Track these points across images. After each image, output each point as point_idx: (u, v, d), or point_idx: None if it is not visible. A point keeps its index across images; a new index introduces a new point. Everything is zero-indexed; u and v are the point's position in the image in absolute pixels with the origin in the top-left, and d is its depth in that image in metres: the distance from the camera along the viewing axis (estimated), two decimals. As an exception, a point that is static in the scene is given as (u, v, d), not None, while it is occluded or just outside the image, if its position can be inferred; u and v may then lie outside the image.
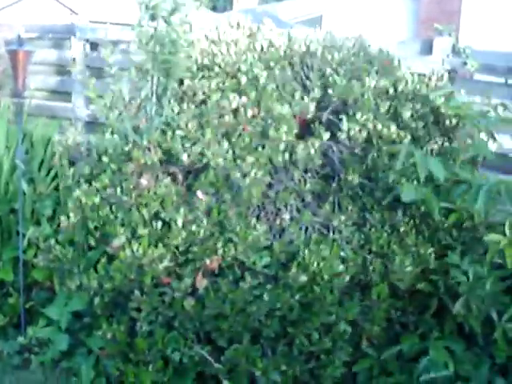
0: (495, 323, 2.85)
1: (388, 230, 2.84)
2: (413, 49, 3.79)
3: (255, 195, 2.72)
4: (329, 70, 2.86)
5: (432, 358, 2.84)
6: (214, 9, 10.68)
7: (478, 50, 3.93)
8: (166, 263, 2.69)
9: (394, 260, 2.75)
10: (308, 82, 2.88)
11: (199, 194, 2.75)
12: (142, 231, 2.74)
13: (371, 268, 2.79)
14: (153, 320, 2.76)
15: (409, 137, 2.77)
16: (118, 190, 2.82)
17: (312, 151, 2.70)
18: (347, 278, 2.71)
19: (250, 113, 2.72)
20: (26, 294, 3.37)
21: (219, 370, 2.77)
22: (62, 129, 3.66)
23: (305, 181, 2.83)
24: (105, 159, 2.91)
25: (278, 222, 2.84)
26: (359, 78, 2.86)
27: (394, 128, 2.75)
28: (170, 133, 2.79)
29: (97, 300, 2.83)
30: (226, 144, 2.72)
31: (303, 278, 2.66)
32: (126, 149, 2.87)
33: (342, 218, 2.81)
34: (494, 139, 2.97)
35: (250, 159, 2.68)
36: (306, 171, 2.85)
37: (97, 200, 2.84)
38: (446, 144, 2.95)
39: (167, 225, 2.77)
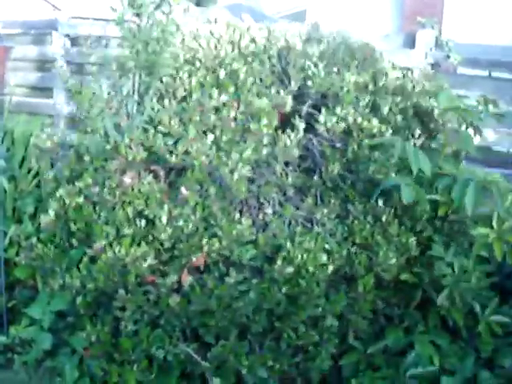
0: (478, 316, 2.86)
1: (371, 221, 2.84)
2: (396, 42, 3.79)
3: (241, 190, 2.70)
4: (308, 64, 2.85)
5: (418, 352, 2.85)
6: (198, 4, 10.62)
7: (461, 43, 3.95)
8: (149, 261, 2.67)
9: (378, 251, 2.76)
10: (286, 76, 2.87)
11: (183, 190, 2.73)
12: (126, 230, 2.72)
13: (356, 260, 2.79)
14: (138, 319, 2.73)
15: (390, 130, 2.77)
16: (102, 188, 2.78)
17: (288, 143, 2.69)
18: (331, 269, 2.71)
19: (230, 109, 2.70)
20: (8, 293, 3.34)
21: (205, 368, 2.75)
22: (44, 126, 3.62)
23: (286, 174, 2.83)
24: (86, 158, 2.88)
25: (260, 216, 2.83)
26: (339, 72, 2.85)
27: (375, 121, 2.75)
28: (152, 131, 2.77)
29: (79, 299, 2.80)
30: (209, 140, 2.71)
31: (289, 270, 2.65)
32: (108, 147, 2.84)
33: (325, 210, 2.81)
34: (480, 133, 2.97)
35: (235, 155, 2.67)
36: (287, 165, 2.84)
37: (80, 200, 2.82)
38: (429, 137, 2.95)
39: (151, 222, 2.74)
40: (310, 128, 2.89)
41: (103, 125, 2.79)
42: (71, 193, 2.82)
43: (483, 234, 2.69)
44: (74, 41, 4.29)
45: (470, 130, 2.92)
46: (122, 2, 2.79)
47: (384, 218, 2.84)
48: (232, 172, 2.66)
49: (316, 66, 2.84)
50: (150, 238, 2.73)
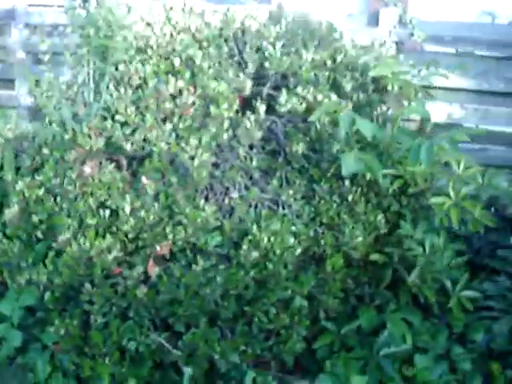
0: (449, 293, 2.86)
1: (337, 201, 2.83)
2: (360, 22, 3.76)
3: (202, 176, 2.67)
4: (265, 45, 2.81)
5: (390, 331, 2.83)
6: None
7: (425, 20, 3.93)
8: (115, 253, 2.63)
9: (345, 230, 2.74)
10: (243, 59, 2.84)
11: (144, 179, 2.70)
12: (89, 221, 2.68)
13: (323, 240, 2.77)
14: (107, 312, 2.70)
15: (350, 106, 2.74)
16: (62, 180, 2.74)
17: (249, 125, 2.66)
18: (299, 250, 2.69)
19: (188, 94, 2.66)
20: (-24, 290, 3.27)
21: (177, 357, 2.73)
22: (7, 118, 3.55)
23: (251, 158, 2.80)
24: (45, 150, 2.83)
25: (226, 201, 2.81)
26: (297, 52, 2.82)
27: (334, 97, 2.72)
28: (110, 120, 2.72)
29: (47, 295, 2.77)
30: (167, 128, 2.66)
31: (255, 254, 2.63)
32: (67, 137, 2.79)
33: (291, 192, 2.79)
34: (431, 98, 2.94)
35: (194, 141, 2.64)
36: (251, 148, 2.82)
37: (40, 192, 2.77)
38: (387, 111, 2.93)
39: (115, 213, 2.71)
40: (272, 110, 2.86)
41: (60, 115, 2.73)
42: (31, 185, 2.77)
43: (439, 202, 2.67)
44: (39, 30, 4.23)
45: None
46: None
47: (350, 197, 2.83)
48: (192, 158, 2.62)
49: (273, 46, 2.81)
50: (114, 228, 2.70)
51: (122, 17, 2.67)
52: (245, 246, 2.64)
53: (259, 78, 2.87)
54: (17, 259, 2.87)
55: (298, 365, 2.91)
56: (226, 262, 2.70)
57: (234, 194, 2.81)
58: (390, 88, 2.88)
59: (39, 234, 2.84)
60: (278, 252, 2.65)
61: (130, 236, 2.68)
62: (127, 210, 2.65)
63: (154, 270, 2.67)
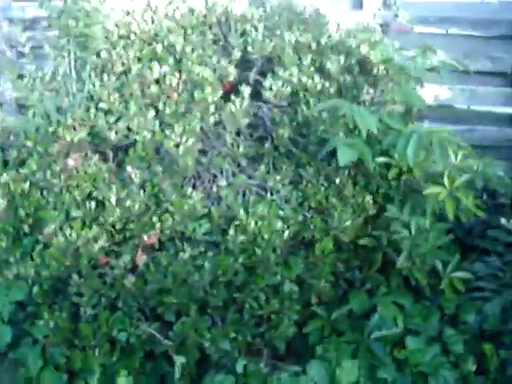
0: (440, 274, 2.84)
1: (325, 184, 2.80)
2: (345, 5, 3.74)
3: (188, 164, 2.65)
4: (248, 28, 2.78)
5: (381, 314, 2.83)
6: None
7: (411, 1, 3.90)
8: (101, 243, 2.61)
9: (333, 213, 2.72)
10: (229, 44, 2.81)
11: (129, 169, 2.67)
12: (75, 213, 2.66)
13: (311, 224, 2.75)
14: (96, 303, 2.69)
15: (335, 87, 2.71)
16: (47, 173, 2.71)
17: (234, 110, 2.63)
18: (287, 235, 2.67)
19: (172, 80, 2.63)
20: (-34, 286, 3.25)
21: (168, 346, 2.71)
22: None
23: (238, 145, 2.77)
24: (29, 143, 2.81)
25: (214, 189, 2.78)
26: (281, 34, 2.79)
27: (318, 79, 2.69)
28: (93, 110, 2.69)
29: (36, 289, 2.75)
30: (151, 115, 2.64)
31: (241, 239, 2.61)
32: (51, 129, 2.77)
33: (278, 177, 2.77)
34: (421, 85, 2.92)
35: (179, 128, 2.61)
36: (238, 135, 2.79)
37: (26, 186, 2.75)
38: (375, 94, 2.90)
39: (101, 204, 2.68)
40: (259, 95, 2.83)
41: (44, 107, 2.71)
42: (17, 179, 2.75)
43: (435, 192, 2.65)
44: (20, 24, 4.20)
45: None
46: None
47: (338, 180, 2.80)
48: (177, 146, 2.60)
49: (256, 29, 2.78)
50: (101, 219, 2.67)
51: (99, 4, 2.63)
52: (232, 231, 2.62)
53: (245, 63, 2.84)
54: (5, 254, 2.86)
55: (290, 351, 2.89)
56: (214, 249, 2.68)
57: (222, 181, 2.79)
58: (377, 71, 2.85)
59: (26, 229, 2.81)
60: (265, 236, 2.63)
61: (118, 227, 2.65)
62: (113, 200, 2.62)
63: (141, 260, 2.65)
